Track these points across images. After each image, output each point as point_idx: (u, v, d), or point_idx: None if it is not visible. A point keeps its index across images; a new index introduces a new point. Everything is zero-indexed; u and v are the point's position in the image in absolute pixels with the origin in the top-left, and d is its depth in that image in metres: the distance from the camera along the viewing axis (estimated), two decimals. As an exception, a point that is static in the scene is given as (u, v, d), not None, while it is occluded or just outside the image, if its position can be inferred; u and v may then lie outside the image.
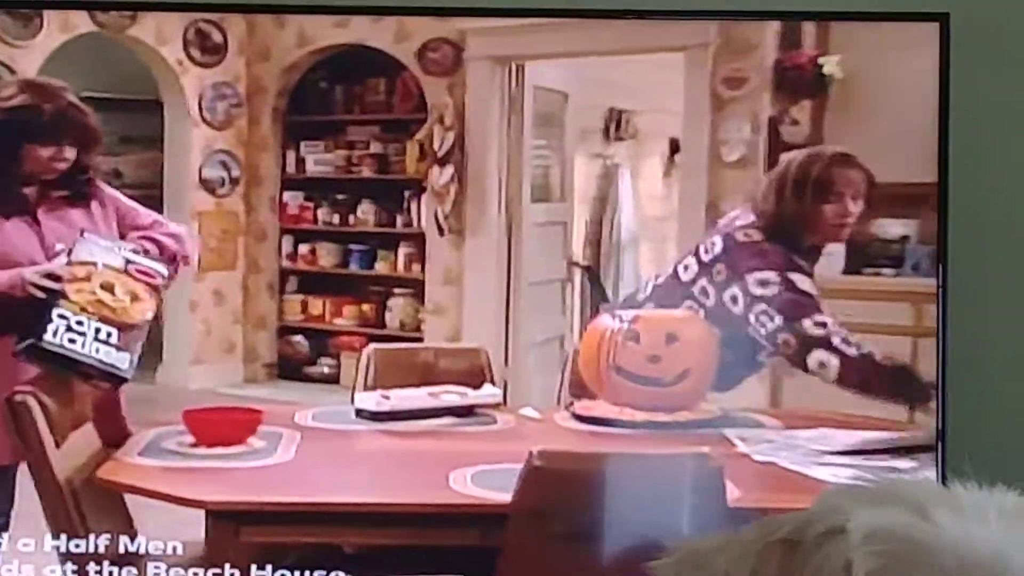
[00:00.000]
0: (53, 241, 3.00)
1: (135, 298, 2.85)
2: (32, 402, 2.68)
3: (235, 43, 4.05)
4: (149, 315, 2.85)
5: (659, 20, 3.24)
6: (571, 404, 3.21)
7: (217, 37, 3.98)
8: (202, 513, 2.65)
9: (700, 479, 2.67)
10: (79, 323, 2.79)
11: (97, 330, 2.79)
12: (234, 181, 4.60)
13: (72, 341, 2.77)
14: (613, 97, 3.69)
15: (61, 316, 2.79)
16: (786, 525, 0.89)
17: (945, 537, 0.83)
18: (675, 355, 3.14)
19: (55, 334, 2.77)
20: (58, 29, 3.37)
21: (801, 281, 3.04)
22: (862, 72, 3.22)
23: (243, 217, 4.58)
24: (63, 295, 2.82)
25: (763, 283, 3.03)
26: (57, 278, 2.86)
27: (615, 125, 4.69)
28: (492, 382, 3.32)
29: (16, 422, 2.65)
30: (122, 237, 3.07)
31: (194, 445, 2.85)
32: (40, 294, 2.83)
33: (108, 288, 2.85)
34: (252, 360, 4.68)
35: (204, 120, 3.65)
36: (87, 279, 2.85)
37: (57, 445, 2.68)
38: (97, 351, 2.79)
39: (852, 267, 3.24)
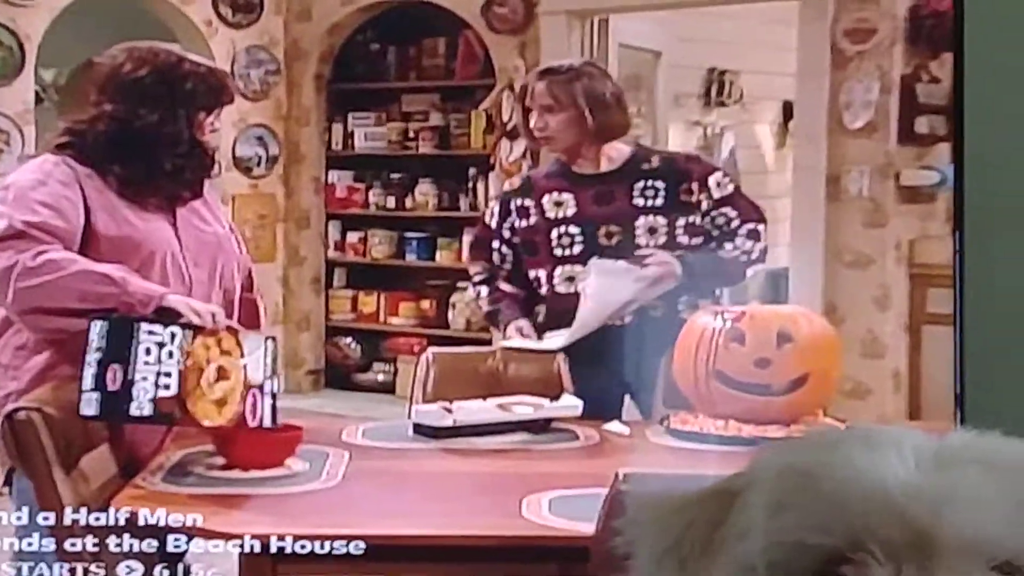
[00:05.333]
0: (188, 236, 3.02)
1: (224, 403, 2.80)
2: (37, 419, 2.61)
3: (271, 0, 4.00)
4: (219, 423, 2.80)
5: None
6: (666, 417, 3.12)
7: (251, -7, 3.93)
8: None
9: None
10: (167, 375, 2.75)
11: (167, 386, 2.75)
12: (272, 160, 4.56)
13: (144, 379, 2.73)
14: (714, 55, 3.60)
15: (158, 361, 2.75)
16: (728, 478, 1.06)
17: (835, 466, 0.97)
18: (788, 358, 3.04)
19: (131, 368, 2.73)
20: (66, -14, 3.33)
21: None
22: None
23: (283, 201, 4.54)
24: (186, 349, 2.78)
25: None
26: (195, 329, 2.82)
27: (717, 88, 4.59)
28: (576, 390, 3.24)
29: (17, 442, 2.59)
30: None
31: (225, 468, 2.78)
32: (159, 331, 2.79)
33: (222, 376, 2.82)
34: (295, 366, 4.63)
35: (237, 90, 3.59)
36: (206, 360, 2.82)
37: (66, 471, 2.61)
38: (153, 401, 2.75)
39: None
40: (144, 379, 2.75)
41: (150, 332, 2.77)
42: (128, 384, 2.73)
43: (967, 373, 2.82)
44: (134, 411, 2.74)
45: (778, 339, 3.06)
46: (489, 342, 3.68)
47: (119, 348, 2.74)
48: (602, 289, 3.33)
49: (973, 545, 0.93)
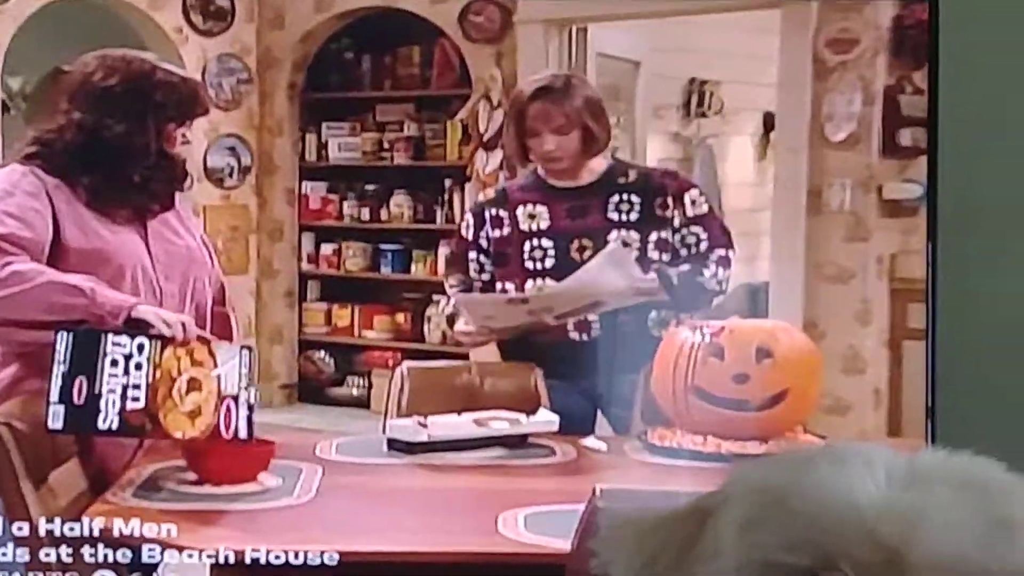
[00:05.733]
0: (159, 249, 3.03)
1: (197, 414, 2.80)
2: (5, 433, 2.61)
3: (243, 7, 4.00)
4: (192, 435, 2.79)
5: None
6: (644, 433, 3.12)
7: (223, 0, 3.93)
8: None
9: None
10: (135, 387, 2.74)
11: (136, 399, 2.74)
12: (244, 170, 4.56)
13: (111, 391, 2.72)
14: (694, 66, 3.61)
15: (125, 373, 2.74)
16: (702, 496, 1.07)
17: (806, 484, 0.98)
18: (767, 373, 3.05)
19: (97, 382, 2.72)
20: (33, -8, 3.33)
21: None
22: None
23: (255, 212, 4.54)
24: (154, 361, 2.77)
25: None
26: (165, 340, 2.82)
27: (697, 99, 4.61)
28: (548, 406, 3.24)
29: (-14, 457, 2.58)
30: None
31: (197, 483, 2.77)
32: (126, 343, 2.77)
33: (194, 387, 2.81)
34: (267, 380, 4.63)
35: (209, 100, 3.58)
36: (177, 372, 2.81)
37: (35, 486, 2.60)
38: (121, 413, 2.74)
39: None
40: (112, 391, 2.74)
41: (116, 344, 2.76)
42: (95, 397, 2.72)
43: (940, 387, 2.83)
44: (102, 424, 2.73)
45: (757, 354, 3.07)
46: (466, 356, 3.67)
47: (85, 360, 2.73)
48: (599, 270, 3.29)
49: (943, 565, 0.94)
